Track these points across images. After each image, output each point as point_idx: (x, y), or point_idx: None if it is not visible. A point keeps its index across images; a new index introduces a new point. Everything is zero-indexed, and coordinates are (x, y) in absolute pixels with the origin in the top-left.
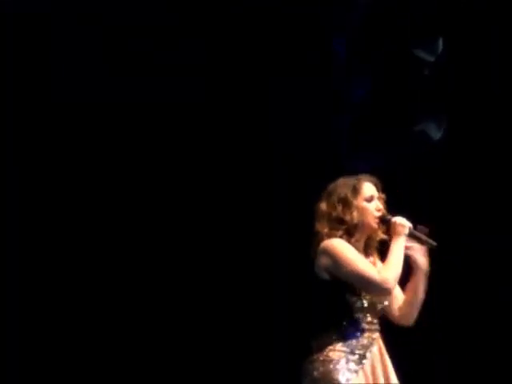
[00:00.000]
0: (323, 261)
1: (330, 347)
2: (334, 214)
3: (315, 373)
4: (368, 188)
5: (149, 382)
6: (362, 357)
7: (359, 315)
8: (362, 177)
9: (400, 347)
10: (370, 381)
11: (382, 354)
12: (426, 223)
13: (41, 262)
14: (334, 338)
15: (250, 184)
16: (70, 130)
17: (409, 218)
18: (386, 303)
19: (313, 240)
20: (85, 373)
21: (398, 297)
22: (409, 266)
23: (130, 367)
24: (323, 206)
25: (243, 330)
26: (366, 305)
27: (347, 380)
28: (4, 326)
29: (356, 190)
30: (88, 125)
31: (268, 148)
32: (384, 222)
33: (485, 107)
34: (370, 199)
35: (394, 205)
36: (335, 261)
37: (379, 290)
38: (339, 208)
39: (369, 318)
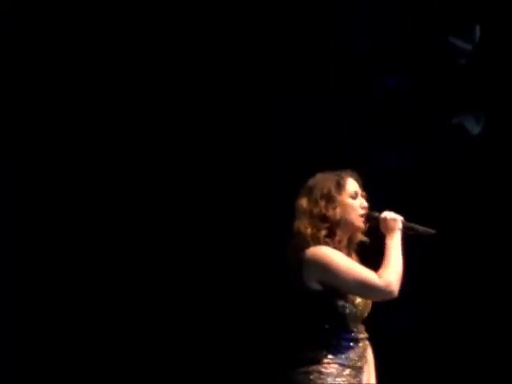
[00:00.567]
0: (313, 272)
1: (325, 360)
2: (316, 210)
3: None
4: (352, 184)
5: (149, 382)
6: (359, 369)
7: (351, 324)
8: (343, 172)
9: (393, 350)
10: None
11: (370, 359)
12: (440, 222)
13: (41, 262)
14: (329, 349)
15: (249, 184)
16: (70, 130)
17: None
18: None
19: (293, 241)
20: (85, 373)
21: None
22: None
23: (130, 366)
24: (304, 202)
25: (243, 329)
26: (358, 314)
27: None
28: (4, 326)
29: (340, 186)
30: (88, 125)
31: (268, 148)
32: (372, 219)
33: None
34: (354, 196)
35: (398, 202)
36: (329, 270)
37: (383, 294)
38: (322, 204)
39: (359, 326)
